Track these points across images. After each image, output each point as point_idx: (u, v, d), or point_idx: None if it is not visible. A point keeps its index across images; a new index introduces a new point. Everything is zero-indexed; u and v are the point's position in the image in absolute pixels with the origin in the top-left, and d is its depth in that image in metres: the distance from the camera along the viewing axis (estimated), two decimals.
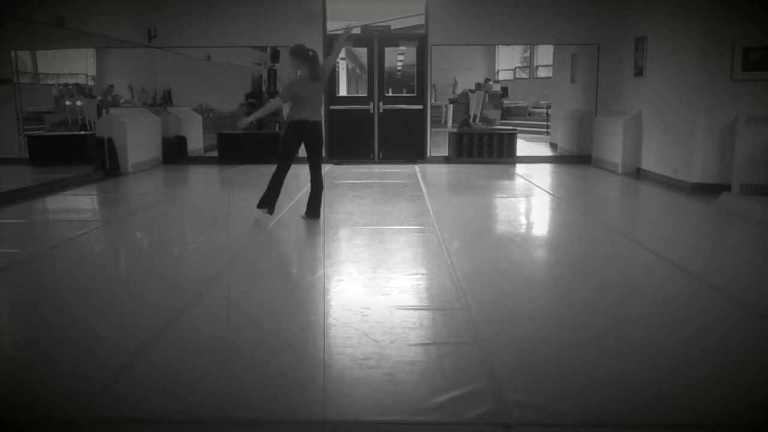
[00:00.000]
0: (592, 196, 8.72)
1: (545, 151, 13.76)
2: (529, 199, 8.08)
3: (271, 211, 6.18)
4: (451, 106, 13.40)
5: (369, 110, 11.51)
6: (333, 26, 11.59)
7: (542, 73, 17.22)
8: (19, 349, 3.34)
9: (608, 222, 6.46)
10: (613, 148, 10.21)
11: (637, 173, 9.81)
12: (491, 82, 13.29)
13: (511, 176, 10.01)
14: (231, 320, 3.57)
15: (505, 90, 13.28)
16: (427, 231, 5.77)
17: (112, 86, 11.68)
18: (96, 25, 9.95)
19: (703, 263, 4.80)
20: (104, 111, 10.39)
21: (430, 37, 11.42)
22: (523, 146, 12.56)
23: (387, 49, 11.78)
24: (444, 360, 3.03)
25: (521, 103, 17.18)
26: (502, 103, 13.22)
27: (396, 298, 4.00)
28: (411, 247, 5.33)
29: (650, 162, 9.52)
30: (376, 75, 11.55)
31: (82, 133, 10.48)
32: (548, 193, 8.44)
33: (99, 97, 11.24)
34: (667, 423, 2.49)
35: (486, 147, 11.58)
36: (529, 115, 17.20)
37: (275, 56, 12.26)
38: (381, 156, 11.56)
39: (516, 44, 15.99)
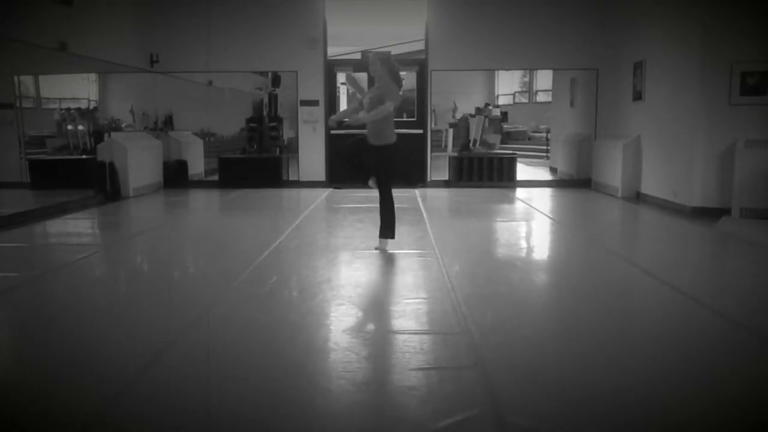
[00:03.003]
0: (592, 220, 8.72)
1: (545, 175, 13.81)
2: (530, 223, 8.08)
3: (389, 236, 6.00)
4: (451, 131, 13.46)
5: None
6: (333, 51, 11.70)
7: (542, 97, 17.34)
8: (17, 372, 3.32)
9: (608, 246, 6.45)
10: (613, 172, 10.24)
11: (637, 197, 9.83)
12: (491, 107, 13.35)
13: (511, 200, 10.03)
14: (229, 344, 3.55)
15: (504, 114, 13.36)
16: (428, 255, 5.77)
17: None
18: (99, 50, 10.04)
19: (703, 287, 4.78)
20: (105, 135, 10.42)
21: (430, 62, 11.52)
22: (523, 170, 12.61)
23: None
24: (445, 384, 3.01)
25: (521, 128, 17.26)
26: (502, 127, 13.27)
27: (396, 322, 3.98)
28: (411, 271, 5.32)
29: (650, 186, 9.54)
30: None
31: (84, 157, 10.50)
32: (548, 217, 8.44)
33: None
34: None
35: (486, 171, 11.62)
36: (529, 139, 17.27)
37: (276, 81, 12.35)
38: None
39: (515, 69, 16.11)
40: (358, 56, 11.96)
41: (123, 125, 11.88)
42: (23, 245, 6.76)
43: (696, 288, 4.65)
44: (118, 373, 3.09)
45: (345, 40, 12.05)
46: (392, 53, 11.79)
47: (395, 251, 5.89)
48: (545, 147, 15.77)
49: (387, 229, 5.96)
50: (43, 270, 5.36)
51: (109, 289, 5.10)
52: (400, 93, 5.97)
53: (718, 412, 2.75)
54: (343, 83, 13.11)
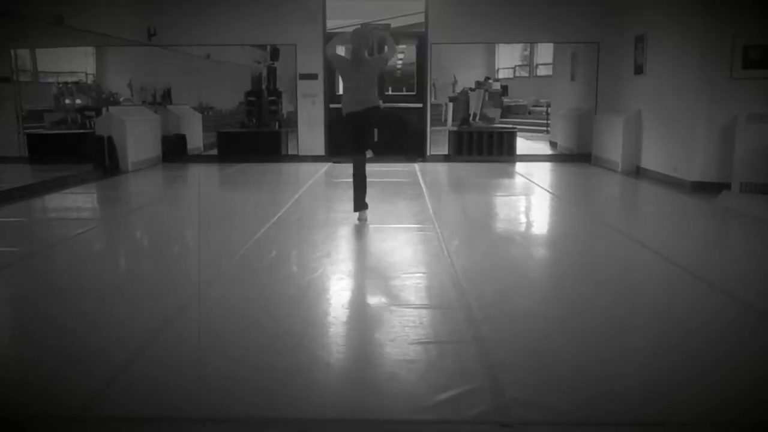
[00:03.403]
0: (592, 194, 8.71)
1: (545, 149, 13.77)
2: (529, 198, 8.08)
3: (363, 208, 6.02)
4: (451, 105, 13.39)
5: None
6: (332, 24, 11.59)
7: (542, 71, 17.21)
8: (17, 347, 3.34)
9: (608, 220, 6.45)
10: (613, 146, 10.20)
11: (637, 172, 9.80)
12: (491, 81, 13.25)
13: (511, 175, 10.01)
14: (230, 319, 3.56)
15: (505, 88, 13.26)
16: (427, 229, 5.76)
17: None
18: (96, 24, 9.94)
19: (703, 261, 4.78)
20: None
21: (430, 35, 11.42)
22: (523, 145, 12.57)
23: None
24: (444, 358, 3.03)
25: (521, 102, 17.17)
26: (502, 101, 13.19)
27: (396, 296, 3.99)
28: (411, 246, 5.33)
29: (650, 160, 9.51)
30: None
31: (82, 131, 10.47)
32: (548, 191, 8.43)
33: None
34: (667, 421, 2.49)
35: (486, 145, 11.58)
36: (529, 113, 17.19)
37: (275, 54, 12.25)
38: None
39: (516, 42, 15.98)
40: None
41: (121, 99, 11.82)
42: (22, 220, 6.76)
43: (695, 262, 4.64)
44: (117, 350, 3.10)
45: (344, 12, 11.91)
46: (391, 26, 11.71)
47: (395, 225, 5.89)
48: (545, 121, 15.71)
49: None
50: (43, 245, 5.36)
51: (109, 263, 5.10)
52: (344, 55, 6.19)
53: (713, 381, 2.77)
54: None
